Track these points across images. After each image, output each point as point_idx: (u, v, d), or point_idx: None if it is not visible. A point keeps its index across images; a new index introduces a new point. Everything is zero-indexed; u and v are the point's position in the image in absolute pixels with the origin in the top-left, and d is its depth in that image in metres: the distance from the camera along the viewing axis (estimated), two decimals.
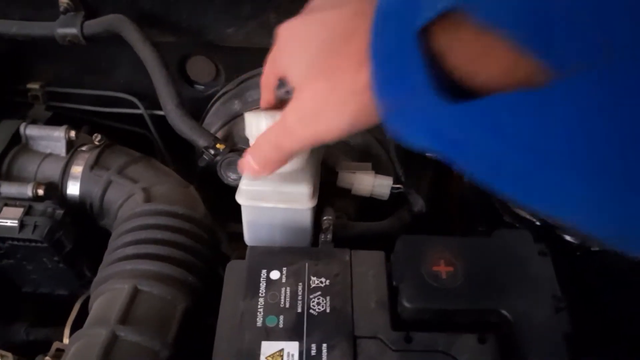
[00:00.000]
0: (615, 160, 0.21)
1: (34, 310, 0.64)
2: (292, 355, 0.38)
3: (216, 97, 0.71)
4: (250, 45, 0.67)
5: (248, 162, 0.41)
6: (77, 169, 0.60)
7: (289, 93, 0.40)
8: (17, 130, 0.62)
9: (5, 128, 0.63)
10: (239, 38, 0.68)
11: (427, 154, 0.63)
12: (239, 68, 0.70)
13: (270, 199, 0.47)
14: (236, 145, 0.60)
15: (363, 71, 0.30)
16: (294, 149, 0.38)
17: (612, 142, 0.21)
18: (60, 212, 0.56)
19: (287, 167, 0.46)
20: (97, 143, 0.62)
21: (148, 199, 0.56)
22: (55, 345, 0.52)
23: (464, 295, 0.40)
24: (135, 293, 0.47)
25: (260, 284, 0.42)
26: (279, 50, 0.39)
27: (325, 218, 0.50)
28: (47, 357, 0.51)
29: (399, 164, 0.57)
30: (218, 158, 0.57)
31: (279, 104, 0.44)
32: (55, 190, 0.59)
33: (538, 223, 0.49)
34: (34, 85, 0.76)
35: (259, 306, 0.40)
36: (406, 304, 0.40)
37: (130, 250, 0.50)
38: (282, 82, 0.41)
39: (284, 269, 0.43)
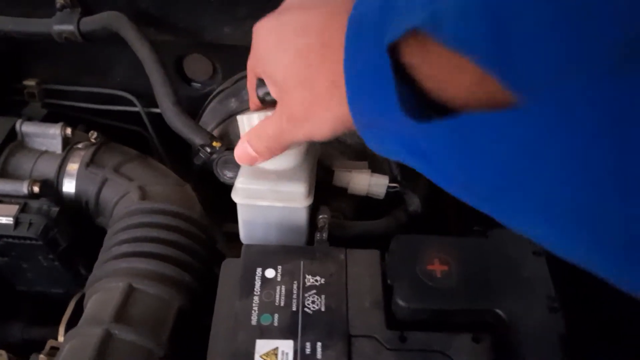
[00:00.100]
0: (573, 184, 0.21)
1: (29, 309, 0.64)
2: (287, 353, 0.38)
3: (213, 95, 0.71)
4: (247, 44, 0.66)
5: (245, 150, 0.42)
6: (73, 167, 0.60)
7: (268, 95, 0.41)
8: (13, 127, 0.62)
9: (1, 125, 0.62)
10: (236, 37, 0.68)
11: None
12: (235, 66, 0.70)
13: (266, 197, 0.47)
14: (232, 143, 0.59)
15: (338, 87, 0.30)
16: (292, 141, 0.40)
17: (570, 165, 0.21)
18: (55, 209, 0.56)
19: (283, 166, 0.46)
20: (93, 141, 0.62)
21: (144, 197, 0.56)
22: (50, 343, 0.52)
23: (458, 295, 0.40)
24: (130, 291, 0.47)
25: (255, 283, 0.42)
26: (256, 51, 0.39)
27: (320, 217, 0.50)
28: (41, 356, 0.51)
29: (395, 164, 0.57)
30: (214, 156, 0.57)
31: (264, 104, 0.44)
32: (50, 187, 0.59)
33: None
34: (30, 83, 0.76)
35: (253, 304, 0.40)
36: (401, 303, 0.40)
37: (126, 248, 0.50)
38: (260, 82, 0.42)
39: (279, 267, 0.43)
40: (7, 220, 0.54)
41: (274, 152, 0.42)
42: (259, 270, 0.42)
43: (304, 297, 0.41)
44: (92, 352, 0.41)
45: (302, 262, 0.43)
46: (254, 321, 0.39)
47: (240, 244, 0.47)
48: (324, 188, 0.53)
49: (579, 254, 0.24)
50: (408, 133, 0.27)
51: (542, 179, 0.22)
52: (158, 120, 0.71)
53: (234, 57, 0.70)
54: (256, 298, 0.41)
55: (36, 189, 0.56)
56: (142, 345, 0.44)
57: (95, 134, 0.62)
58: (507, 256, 0.43)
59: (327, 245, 0.48)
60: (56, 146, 0.61)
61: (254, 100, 0.44)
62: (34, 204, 0.56)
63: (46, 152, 0.61)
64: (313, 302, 0.41)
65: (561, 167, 0.21)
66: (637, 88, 0.19)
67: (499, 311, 0.39)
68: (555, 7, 0.20)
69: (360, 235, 0.54)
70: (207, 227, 0.56)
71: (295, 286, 0.41)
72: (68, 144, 0.62)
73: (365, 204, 0.58)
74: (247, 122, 0.44)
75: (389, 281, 0.42)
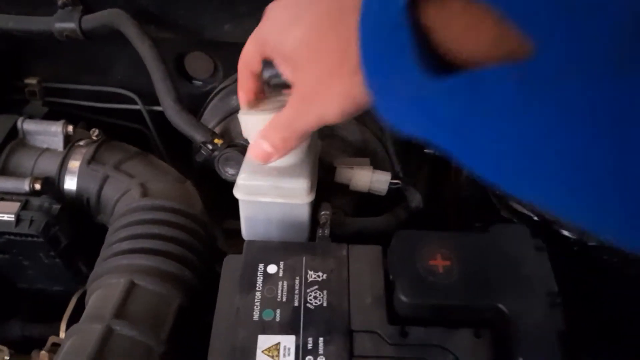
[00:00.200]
0: (589, 141, 0.21)
1: (30, 307, 0.64)
2: (289, 349, 0.38)
3: (214, 93, 0.71)
4: None
5: (259, 146, 0.41)
6: (74, 164, 0.60)
7: (274, 77, 0.40)
8: (14, 125, 0.62)
9: (2, 123, 0.62)
10: (236, 34, 0.68)
11: (425, 150, 0.64)
12: (236, 64, 0.69)
13: (268, 193, 0.47)
14: (234, 140, 0.60)
15: (352, 52, 0.30)
16: (305, 129, 0.39)
17: (594, 124, 0.20)
18: (57, 207, 0.56)
19: (285, 162, 0.46)
20: (94, 138, 0.62)
21: (145, 195, 0.56)
22: (51, 339, 0.52)
23: (460, 290, 0.40)
24: (131, 287, 0.47)
25: (258, 278, 0.42)
26: (267, 30, 0.38)
27: (322, 213, 0.50)
28: (42, 352, 0.51)
29: (397, 160, 0.57)
30: (216, 153, 0.57)
31: (261, 91, 0.43)
32: (52, 185, 0.59)
33: (536, 218, 0.49)
34: (31, 81, 0.76)
35: (255, 300, 0.40)
36: (402, 299, 0.40)
37: (127, 245, 0.50)
38: (267, 65, 0.41)
39: (281, 263, 0.43)
40: (9, 217, 0.54)
41: (289, 143, 0.41)
42: (261, 266, 0.42)
43: (306, 293, 0.41)
44: (93, 348, 0.42)
45: (304, 258, 0.43)
46: (256, 316, 0.39)
47: (242, 240, 0.47)
48: (326, 185, 0.53)
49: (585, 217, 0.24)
50: (423, 92, 0.26)
51: (562, 131, 0.21)
52: (158, 118, 0.71)
53: (234, 55, 0.69)
54: (258, 294, 0.41)
55: (38, 186, 0.56)
56: (142, 341, 0.44)
57: (96, 132, 0.62)
58: (509, 252, 0.43)
59: (329, 241, 0.48)
60: (57, 144, 0.61)
61: (246, 86, 0.44)
62: (35, 201, 0.56)
63: (47, 149, 0.61)
64: (315, 297, 0.41)
65: (580, 117, 0.21)
66: None
67: (501, 306, 0.39)
68: None
69: (361, 231, 0.54)
70: (207, 224, 0.56)
71: (297, 282, 0.41)
72: (69, 142, 0.62)
73: (366, 201, 0.58)
74: (252, 120, 0.44)
75: (390, 277, 0.41)
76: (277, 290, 0.41)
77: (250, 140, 0.46)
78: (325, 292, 0.41)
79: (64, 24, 0.66)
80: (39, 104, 0.76)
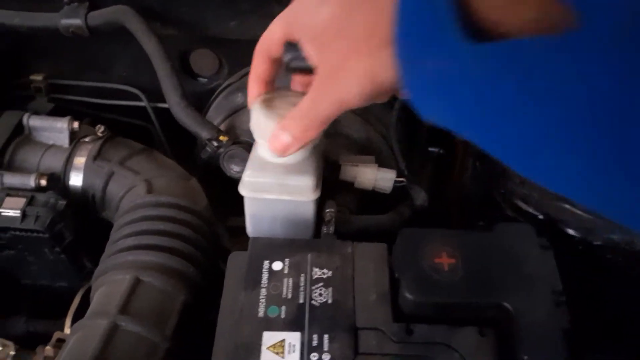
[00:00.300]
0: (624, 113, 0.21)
1: (35, 303, 0.64)
2: (294, 345, 0.38)
3: (219, 90, 0.71)
4: (253, 38, 0.66)
5: (278, 138, 0.41)
6: (80, 160, 0.60)
7: (294, 60, 0.40)
8: (20, 121, 0.62)
9: (8, 119, 0.63)
10: (241, 31, 0.68)
11: (429, 149, 0.64)
12: (241, 61, 0.70)
13: (273, 190, 0.47)
14: (239, 137, 0.60)
15: (382, 25, 0.30)
16: (326, 115, 0.38)
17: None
18: (62, 202, 0.56)
19: (290, 159, 0.46)
20: (100, 134, 0.62)
21: (150, 191, 0.56)
22: (56, 335, 0.52)
23: (464, 288, 0.40)
24: (136, 284, 0.47)
25: (263, 275, 0.42)
26: (296, 7, 0.38)
27: (327, 210, 0.50)
28: (47, 347, 0.51)
29: (402, 158, 0.57)
30: (221, 150, 0.57)
31: (272, 81, 0.43)
32: (57, 181, 0.59)
33: (540, 217, 0.49)
34: (37, 77, 0.76)
35: (260, 297, 0.40)
36: (407, 296, 0.40)
37: (132, 241, 0.51)
38: (289, 47, 0.40)
39: (287, 260, 0.43)
40: (15, 213, 0.54)
41: (309, 132, 0.40)
42: (266, 263, 0.43)
43: (311, 290, 0.41)
44: (98, 343, 0.42)
45: (309, 255, 0.43)
46: (261, 313, 0.39)
47: (246, 237, 0.47)
48: (331, 182, 0.53)
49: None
50: (457, 58, 0.26)
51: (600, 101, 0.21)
52: (163, 115, 0.71)
53: (239, 52, 0.70)
54: (263, 290, 0.41)
55: (43, 182, 0.56)
56: (147, 337, 0.44)
57: (102, 128, 0.62)
58: (513, 250, 0.43)
59: (334, 238, 0.48)
60: (63, 140, 0.61)
61: (260, 70, 0.43)
62: (41, 197, 0.56)
63: (53, 145, 0.62)
64: (320, 294, 0.41)
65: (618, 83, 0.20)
66: None
67: (506, 304, 0.39)
68: None
69: (366, 229, 0.54)
70: (212, 221, 0.56)
71: (302, 279, 0.42)
72: (75, 138, 0.62)
73: (371, 198, 0.58)
74: (261, 120, 0.44)
75: (395, 274, 0.42)
76: (282, 287, 0.41)
77: (256, 137, 0.46)
78: (330, 289, 0.41)
79: (70, 20, 0.66)
80: (44, 100, 0.76)
